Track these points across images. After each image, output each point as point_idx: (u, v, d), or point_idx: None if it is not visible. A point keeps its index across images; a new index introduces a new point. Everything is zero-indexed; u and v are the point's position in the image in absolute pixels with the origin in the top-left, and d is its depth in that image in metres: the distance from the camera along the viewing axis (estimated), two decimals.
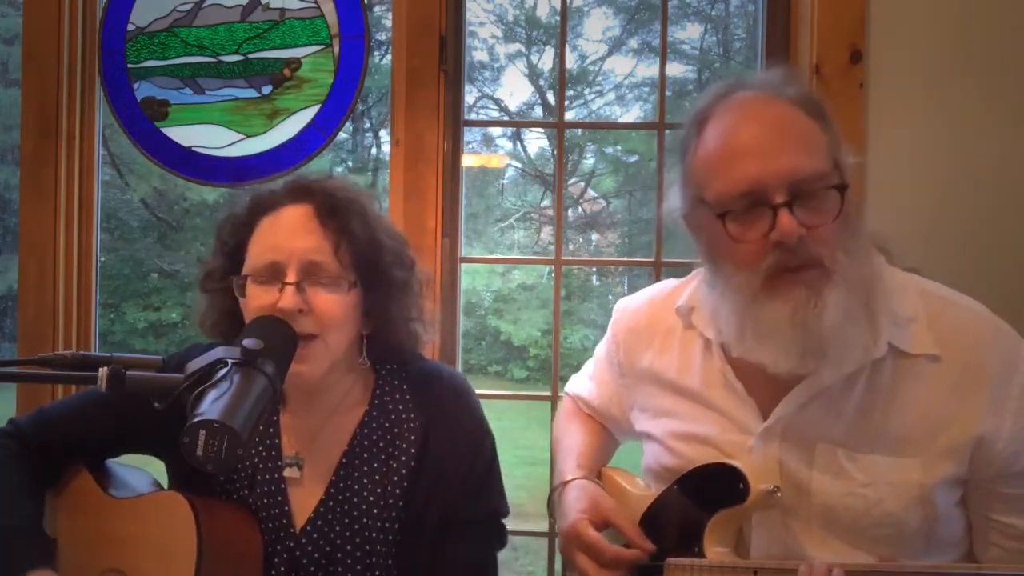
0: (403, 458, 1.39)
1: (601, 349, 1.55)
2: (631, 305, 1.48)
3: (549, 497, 1.43)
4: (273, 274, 1.31)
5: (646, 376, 1.40)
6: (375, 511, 1.37)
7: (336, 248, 1.33)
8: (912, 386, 1.19)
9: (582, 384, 1.59)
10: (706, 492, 1.25)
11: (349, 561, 1.36)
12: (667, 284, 1.47)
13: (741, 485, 1.20)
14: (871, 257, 1.20)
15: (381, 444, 1.40)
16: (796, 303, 1.13)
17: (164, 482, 1.50)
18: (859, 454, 1.19)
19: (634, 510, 1.33)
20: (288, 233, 1.34)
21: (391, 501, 1.38)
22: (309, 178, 1.42)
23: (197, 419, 1.02)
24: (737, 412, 1.28)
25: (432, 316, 1.49)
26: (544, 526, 2.18)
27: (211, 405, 1.04)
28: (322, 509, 1.38)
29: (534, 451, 6.39)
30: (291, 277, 1.30)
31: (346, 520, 1.37)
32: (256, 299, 1.32)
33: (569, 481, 1.39)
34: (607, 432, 1.54)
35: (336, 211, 1.35)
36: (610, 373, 1.50)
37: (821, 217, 1.12)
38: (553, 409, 2.16)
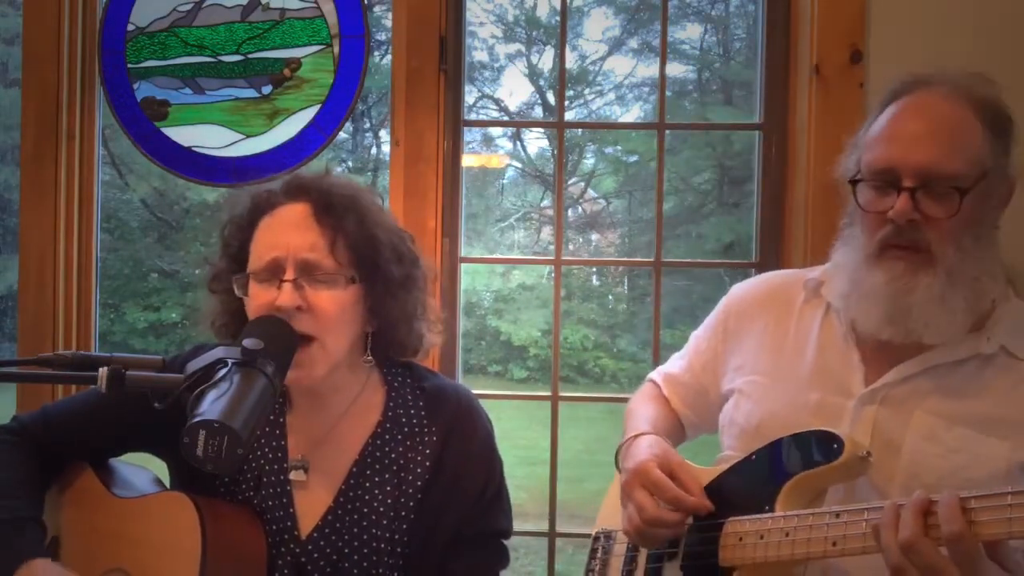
0: (418, 470, 1.40)
1: (701, 329, 1.63)
2: (748, 283, 1.60)
3: (617, 450, 1.49)
4: (273, 272, 1.32)
5: (755, 338, 1.48)
6: (385, 522, 1.37)
7: (332, 245, 1.34)
8: (1016, 385, 1.28)
9: (670, 364, 1.66)
10: (792, 455, 1.28)
11: (355, 571, 1.36)
12: (782, 271, 1.62)
13: (835, 445, 1.23)
14: (991, 265, 1.30)
15: (393, 456, 1.40)
16: (891, 275, 1.26)
17: (166, 480, 1.50)
18: (954, 425, 1.27)
19: (698, 478, 1.38)
20: (285, 231, 1.34)
21: (403, 513, 1.38)
22: (306, 176, 1.42)
23: (197, 419, 1.02)
24: (845, 373, 1.35)
25: (438, 315, 1.50)
26: (544, 526, 2.18)
27: (211, 405, 1.04)
28: (330, 517, 1.38)
29: (534, 451, 6.38)
30: (289, 274, 1.31)
31: (355, 529, 1.37)
32: (257, 297, 1.33)
33: (641, 434, 1.45)
34: (679, 424, 1.61)
35: (332, 208, 1.35)
36: (710, 341, 1.57)
37: (941, 210, 1.24)
38: (553, 409, 2.16)
